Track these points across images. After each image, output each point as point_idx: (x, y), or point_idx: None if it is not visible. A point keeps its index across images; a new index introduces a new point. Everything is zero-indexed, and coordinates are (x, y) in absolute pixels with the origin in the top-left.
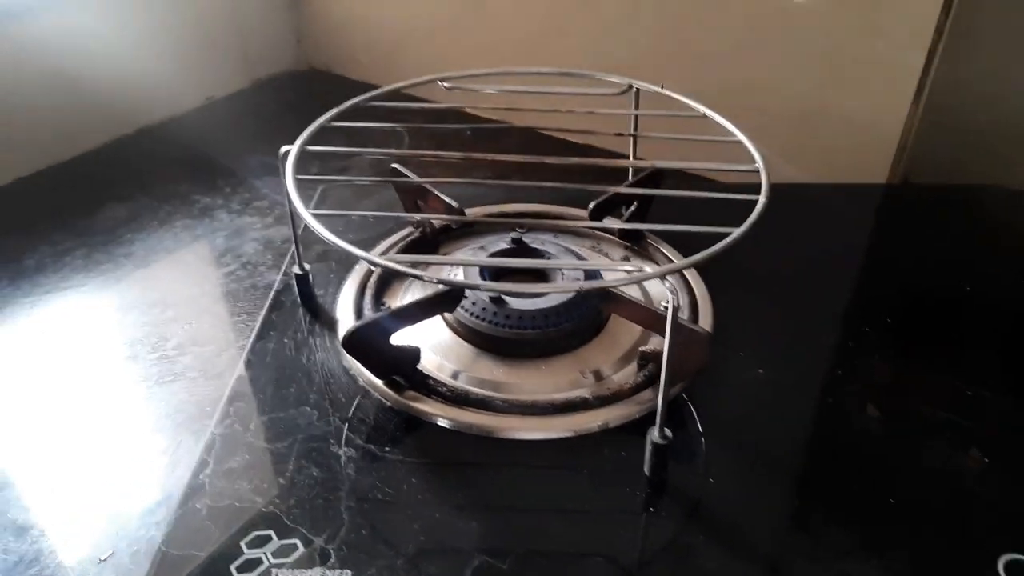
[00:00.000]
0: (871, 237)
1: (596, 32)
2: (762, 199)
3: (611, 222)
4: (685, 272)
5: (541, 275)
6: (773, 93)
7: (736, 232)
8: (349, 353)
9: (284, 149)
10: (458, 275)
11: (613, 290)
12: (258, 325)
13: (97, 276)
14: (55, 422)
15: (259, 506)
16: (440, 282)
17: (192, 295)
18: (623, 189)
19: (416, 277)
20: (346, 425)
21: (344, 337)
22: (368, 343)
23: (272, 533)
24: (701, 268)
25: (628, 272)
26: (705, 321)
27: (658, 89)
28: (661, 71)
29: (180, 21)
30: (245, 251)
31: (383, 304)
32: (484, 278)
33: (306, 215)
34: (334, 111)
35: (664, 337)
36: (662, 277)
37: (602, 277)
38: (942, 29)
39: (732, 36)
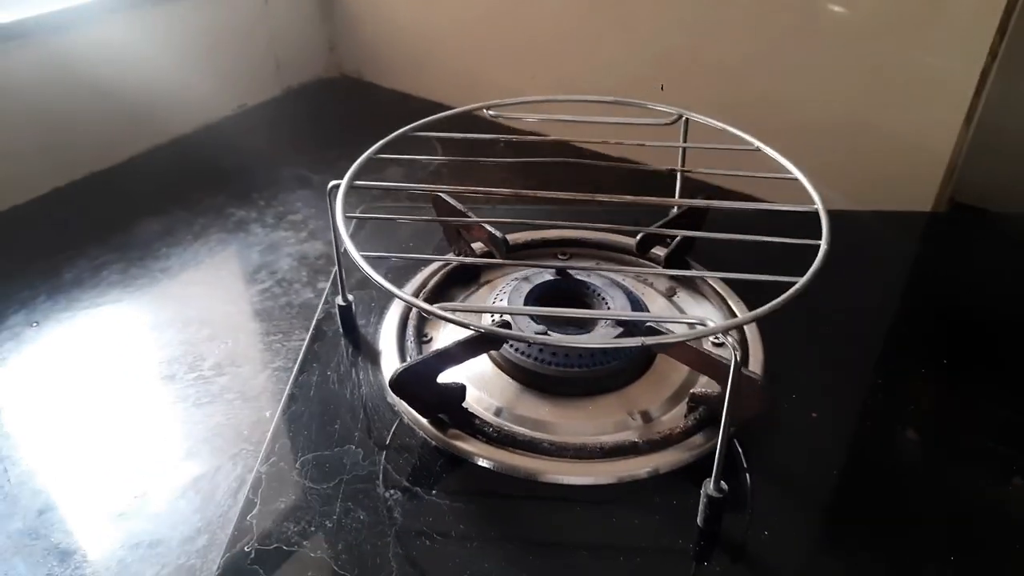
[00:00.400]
0: (921, 266)
1: (628, 44)
2: (824, 245)
3: (659, 251)
4: (735, 309)
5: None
6: (813, 110)
7: (799, 283)
8: (396, 395)
9: (332, 184)
10: (506, 319)
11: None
12: (300, 357)
13: (134, 291)
14: (96, 443)
15: (307, 550)
16: (487, 332)
17: (228, 312)
18: (664, 231)
19: (463, 326)
20: (391, 465)
21: (391, 379)
22: (415, 384)
23: None
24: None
25: (691, 326)
26: (756, 362)
27: (710, 121)
28: (696, 87)
29: (213, 30)
30: (280, 267)
31: (426, 336)
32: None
33: (359, 260)
34: (381, 143)
35: (720, 381)
36: (725, 332)
37: (651, 322)
38: (996, 51)
39: (770, 50)
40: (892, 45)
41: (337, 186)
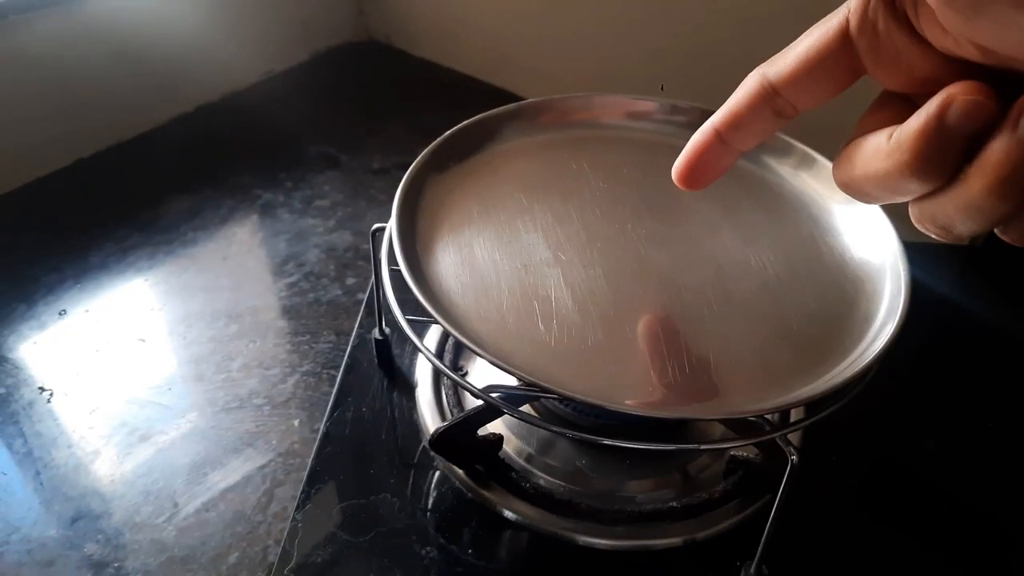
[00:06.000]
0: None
1: (665, 38)
2: None
3: None
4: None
5: None
6: None
7: None
8: (436, 453)
9: (376, 227)
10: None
11: None
12: (335, 391)
13: (161, 281)
14: (126, 448)
15: None
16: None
17: (255, 307)
18: None
19: (496, 405)
20: (426, 520)
21: (431, 439)
22: (454, 441)
23: None
24: None
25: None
26: None
27: None
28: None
29: None
30: (307, 259)
31: (461, 369)
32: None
33: (406, 327)
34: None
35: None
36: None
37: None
38: None
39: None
40: None
41: (381, 229)
